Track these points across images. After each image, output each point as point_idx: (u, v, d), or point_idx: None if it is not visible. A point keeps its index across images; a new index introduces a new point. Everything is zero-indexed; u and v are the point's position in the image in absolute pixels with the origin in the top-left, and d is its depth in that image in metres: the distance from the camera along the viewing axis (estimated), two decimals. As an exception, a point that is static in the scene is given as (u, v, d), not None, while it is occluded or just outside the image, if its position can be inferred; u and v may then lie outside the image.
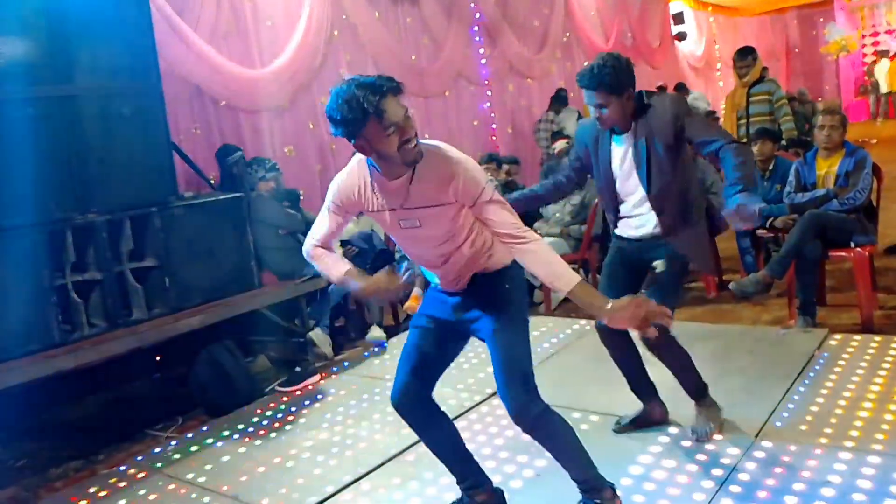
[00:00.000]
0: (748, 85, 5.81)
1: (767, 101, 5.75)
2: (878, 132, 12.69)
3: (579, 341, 4.31)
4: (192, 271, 3.96)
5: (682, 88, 12.25)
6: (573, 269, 6.18)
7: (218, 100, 5.63)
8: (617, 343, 2.87)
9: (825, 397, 3.09)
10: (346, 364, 4.50)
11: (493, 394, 3.59)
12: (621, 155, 2.74)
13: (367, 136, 1.95)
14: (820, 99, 14.84)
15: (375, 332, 4.76)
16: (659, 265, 2.73)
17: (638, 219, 2.79)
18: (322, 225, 2.32)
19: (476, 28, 8.54)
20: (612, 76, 2.59)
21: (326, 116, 1.98)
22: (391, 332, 5.01)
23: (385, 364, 4.41)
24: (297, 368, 4.22)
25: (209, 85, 5.53)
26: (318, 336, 4.56)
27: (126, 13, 3.82)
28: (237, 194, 4.33)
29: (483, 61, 8.67)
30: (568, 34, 10.23)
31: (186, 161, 4.86)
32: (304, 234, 4.78)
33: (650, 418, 3.01)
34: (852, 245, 4.05)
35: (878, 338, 3.66)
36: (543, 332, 4.52)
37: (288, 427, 3.64)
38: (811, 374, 3.33)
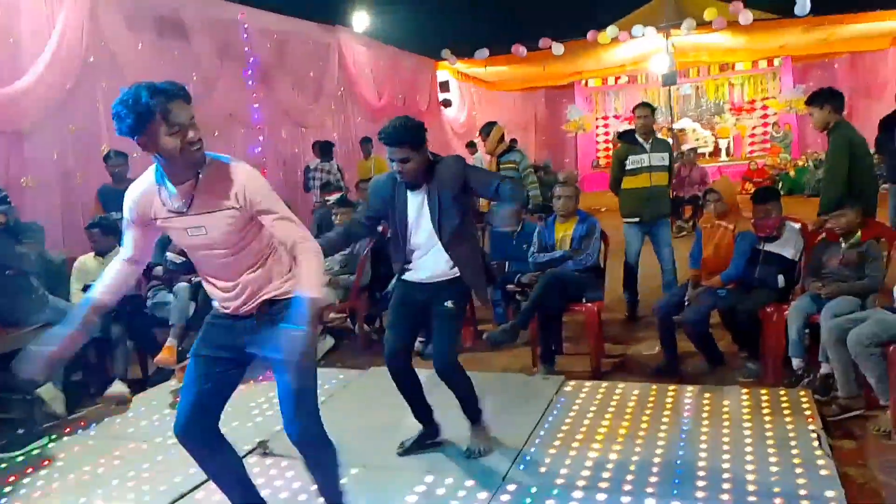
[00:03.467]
0: (498, 154, 6.40)
1: (515, 169, 6.35)
2: (608, 201, 14.61)
3: (343, 392, 4.31)
4: None
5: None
6: (341, 318, 6.18)
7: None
8: (402, 374, 3.25)
9: (561, 440, 3.42)
10: (82, 424, 4.02)
11: (251, 451, 3.45)
12: (416, 206, 3.11)
13: (150, 133, 2.06)
14: (561, 170, 16.76)
15: (118, 388, 4.32)
16: (449, 304, 3.13)
17: (426, 263, 3.16)
18: (126, 240, 2.33)
19: (250, 72, 8.41)
20: (414, 134, 3.00)
21: (112, 113, 2.06)
22: (138, 386, 4.59)
23: (128, 422, 4.02)
24: (21, 430, 3.68)
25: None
26: (49, 392, 4.03)
27: None
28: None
29: (256, 105, 8.54)
30: (343, 89, 10.48)
31: None
32: (39, 275, 4.30)
33: (429, 438, 3.39)
34: (584, 300, 4.60)
35: (605, 383, 4.15)
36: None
37: (4, 500, 3.14)
38: (550, 419, 3.67)
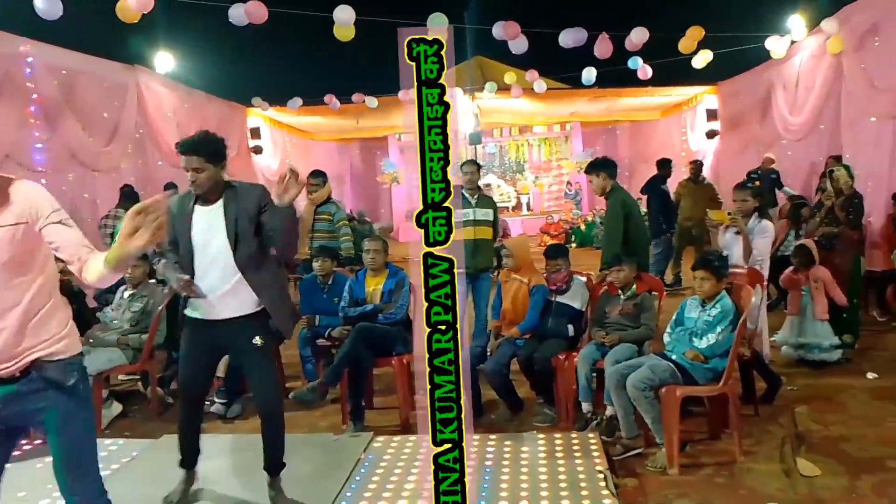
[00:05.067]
0: (315, 204, 6.34)
1: (329, 220, 6.33)
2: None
3: (132, 464, 3.93)
4: None
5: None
6: (131, 381, 5.67)
7: None
8: (190, 411, 3.25)
9: (368, 499, 3.37)
10: None
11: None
12: (205, 221, 3.00)
13: None
14: (377, 221, 16.99)
15: None
16: (258, 340, 3.04)
17: (225, 296, 3.01)
18: None
19: (32, 109, 7.64)
20: (211, 146, 3.01)
21: None
22: None
23: None
24: None
25: None
26: None
27: None
28: None
29: (39, 145, 7.73)
30: (141, 131, 9.86)
31: None
32: None
33: (192, 484, 3.37)
34: (394, 354, 4.63)
35: (413, 437, 4.18)
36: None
37: None
38: (357, 478, 3.61)
